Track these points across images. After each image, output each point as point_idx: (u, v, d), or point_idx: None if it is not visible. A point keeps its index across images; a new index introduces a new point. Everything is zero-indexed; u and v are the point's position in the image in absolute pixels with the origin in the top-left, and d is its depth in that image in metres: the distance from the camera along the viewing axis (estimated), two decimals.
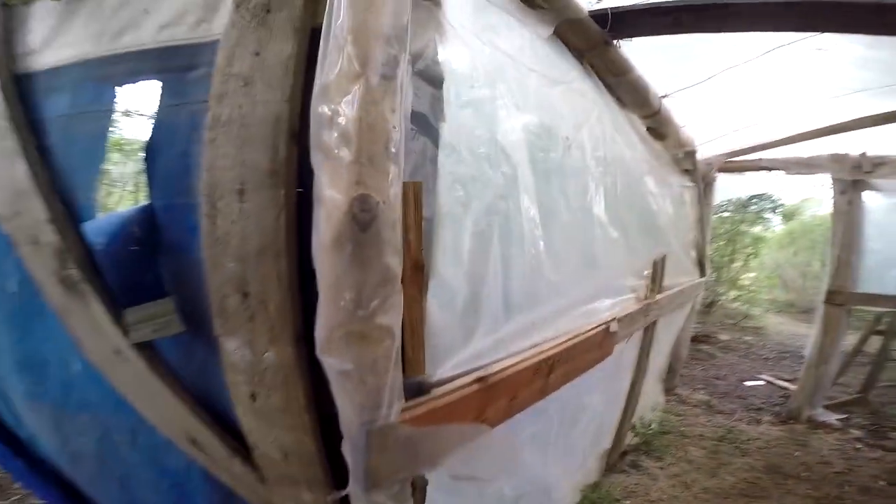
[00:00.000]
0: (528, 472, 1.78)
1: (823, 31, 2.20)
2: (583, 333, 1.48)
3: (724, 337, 6.94)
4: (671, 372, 4.61)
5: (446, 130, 1.08)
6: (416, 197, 0.84)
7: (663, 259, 2.72)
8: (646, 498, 2.76)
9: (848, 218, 3.92)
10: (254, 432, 0.93)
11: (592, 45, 1.96)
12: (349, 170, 0.69)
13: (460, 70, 1.18)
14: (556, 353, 1.27)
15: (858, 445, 3.56)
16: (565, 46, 1.89)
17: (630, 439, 3.23)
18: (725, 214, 7.84)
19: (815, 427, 3.89)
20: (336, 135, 0.69)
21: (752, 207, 7.79)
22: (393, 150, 0.74)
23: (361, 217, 0.70)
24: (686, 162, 3.69)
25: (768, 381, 5.21)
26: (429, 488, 1.05)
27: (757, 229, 8.23)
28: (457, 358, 1.09)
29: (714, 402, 4.50)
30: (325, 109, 0.69)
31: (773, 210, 7.93)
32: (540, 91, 1.65)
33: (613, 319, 1.74)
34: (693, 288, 3.81)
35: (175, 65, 0.99)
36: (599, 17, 1.98)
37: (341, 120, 0.69)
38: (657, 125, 2.87)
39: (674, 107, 3.04)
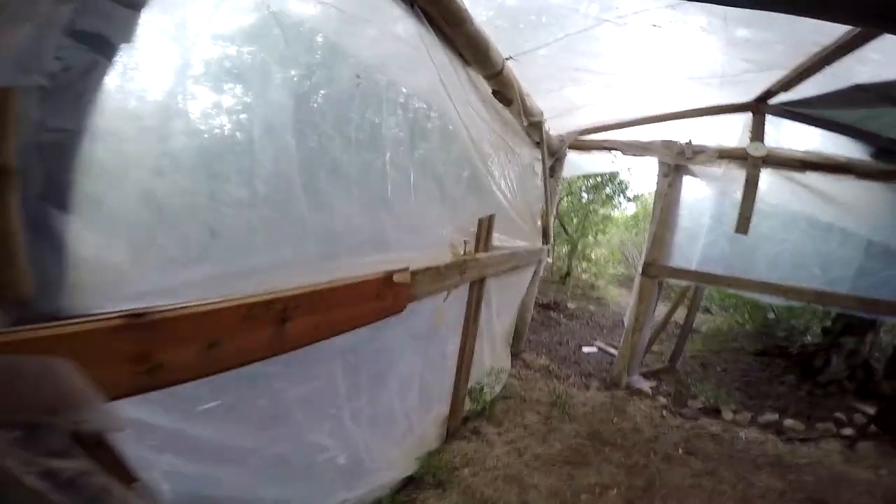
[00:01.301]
0: (310, 438, 1.64)
1: None
2: (343, 280, 1.33)
3: (571, 305, 7.54)
4: (517, 336, 4.85)
5: (159, 58, 1.01)
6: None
7: (490, 218, 2.71)
8: (482, 465, 2.80)
9: (667, 198, 4.35)
10: None
11: None
12: None
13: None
14: (289, 298, 1.07)
15: (664, 413, 4.00)
16: None
17: (470, 405, 3.29)
18: (583, 195, 8.50)
19: (631, 393, 4.31)
20: None
21: (606, 190, 8.55)
22: None
23: None
24: (534, 133, 3.77)
25: (600, 348, 5.74)
26: None
27: (607, 210, 9.08)
28: (128, 292, 0.87)
29: (553, 367, 4.79)
30: None
31: (622, 193, 8.78)
32: (327, 26, 1.44)
33: (404, 269, 1.62)
34: (532, 253, 3.93)
35: None
36: None
37: None
38: (501, 88, 2.80)
39: (526, 78, 3.04)
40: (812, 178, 3.99)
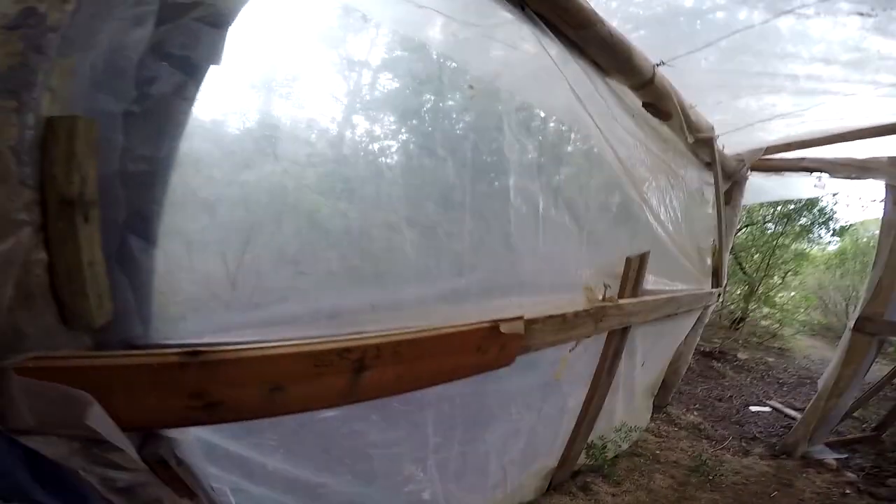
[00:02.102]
0: (384, 482, 1.53)
1: None
2: (437, 329, 1.16)
3: (742, 356, 6.28)
4: (664, 388, 4.17)
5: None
6: (70, 132, 0.68)
7: (642, 258, 2.30)
8: None
9: None
10: None
11: None
12: None
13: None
14: (368, 346, 0.95)
15: (847, 490, 3.06)
16: None
17: (585, 459, 2.90)
18: (768, 226, 7.02)
19: (807, 465, 3.39)
20: None
21: (801, 221, 6.90)
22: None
23: None
24: (703, 152, 3.19)
25: (775, 409, 4.64)
26: None
27: (802, 245, 7.29)
28: (208, 326, 0.86)
29: (705, 426, 4.02)
30: None
31: (825, 225, 6.96)
32: (448, 48, 1.35)
33: (516, 318, 1.41)
34: (695, 298, 3.32)
35: None
36: None
37: None
38: (654, 99, 2.39)
39: (687, 87, 2.58)
40: None
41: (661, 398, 4.17)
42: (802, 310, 7.51)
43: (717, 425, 4.13)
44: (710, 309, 4.03)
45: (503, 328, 1.33)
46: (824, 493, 3.04)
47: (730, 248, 4.03)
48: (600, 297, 2.10)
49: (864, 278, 3.70)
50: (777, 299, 7.32)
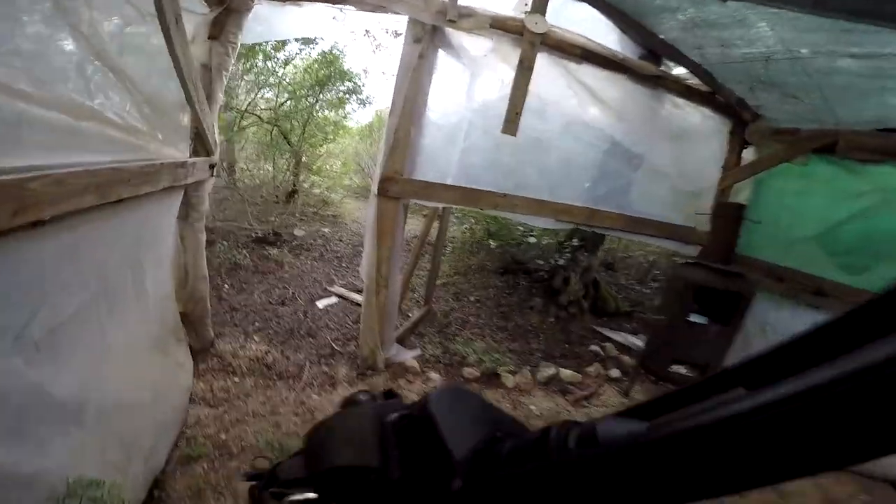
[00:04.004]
0: None
1: None
2: None
3: (299, 232, 5.53)
4: (192, 324, 2.72)
5: None
6: None
7: None
8: None
9: (415, 76, 2.64)
10: None
11: None
12: None
13: None
14: None
15: None
16: None
17: None
18: (305, 94, 6.16)
19: (396, 375, 2.95)
20: None
21: (335, 93, 6.42)
22: None
23: None
24: None
25: (341, 297, 4.10)
26: None
27: (338, 116, 6.97)
28: None
29: (274, 357, 2.92)
30: None
31: (356, 95, 6.74)
32: None
33: None
34: (127, 175, 1.59)
35: None
36: None
37: None
38: None
39: None
40: (587, 71, 2.95)
41: (198, 337, 2.78)
42: (345, 175, 7.57)
43: (288, 347, 3.12)
44: (205, 187, 2.60)
45: None
46: None
47: (219, 100, 2.54)
48: None
49: None
50: (322, 167, 7.00)
